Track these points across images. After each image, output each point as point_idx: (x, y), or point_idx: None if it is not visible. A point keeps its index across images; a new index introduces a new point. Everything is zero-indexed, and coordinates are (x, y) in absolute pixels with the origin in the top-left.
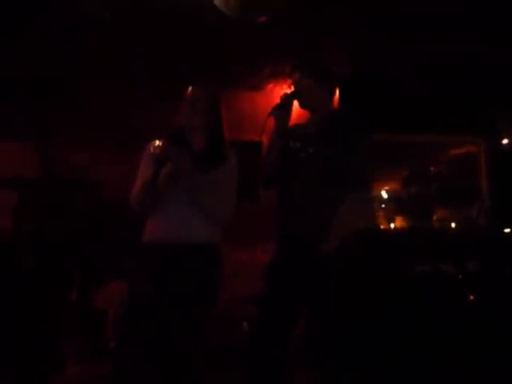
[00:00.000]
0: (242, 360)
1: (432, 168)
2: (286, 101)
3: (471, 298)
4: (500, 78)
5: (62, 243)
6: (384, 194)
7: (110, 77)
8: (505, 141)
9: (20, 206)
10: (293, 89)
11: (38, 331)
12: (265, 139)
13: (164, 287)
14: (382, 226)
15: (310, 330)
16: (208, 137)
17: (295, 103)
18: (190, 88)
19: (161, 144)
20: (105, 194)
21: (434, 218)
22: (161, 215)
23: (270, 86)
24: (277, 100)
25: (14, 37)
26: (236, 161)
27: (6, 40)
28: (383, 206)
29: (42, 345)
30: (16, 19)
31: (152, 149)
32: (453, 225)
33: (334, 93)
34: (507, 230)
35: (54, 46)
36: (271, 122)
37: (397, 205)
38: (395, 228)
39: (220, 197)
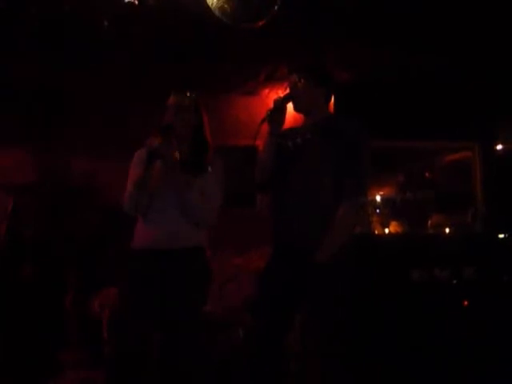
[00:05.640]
0: (239, 366)
1: (427, 174)
2: (280, 104)
3: (466, 303)
4: (495, 84)
5: (61, 249)
6: (379, 199)
7: (111, 83)
8: (499, 146)
9: (17, 212)
10: (287, 92)
11: (34, 337)
12: (260, 144)
13: (153, 292)
14: (376, 232)
15: (310, 336)
16: (192, 143)
17: (289, 106)
18: (173, 95)
19: (155, 139)
20: (105, 201)
21: (429, 223)
22: (149, 221)
23: (266, 91)
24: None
25: (15, 49)
26: (220, 167)
27: (8, 52)
28: (378, 211)
29: (37, 351)
30: (17, 31)
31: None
32: (447, 230)
33: (330, 97)
34: (502, 236)
35: (54, 57)
36: (265, 126)
37: (392, 210)
38: (390, 233)
39: (204, 201)
